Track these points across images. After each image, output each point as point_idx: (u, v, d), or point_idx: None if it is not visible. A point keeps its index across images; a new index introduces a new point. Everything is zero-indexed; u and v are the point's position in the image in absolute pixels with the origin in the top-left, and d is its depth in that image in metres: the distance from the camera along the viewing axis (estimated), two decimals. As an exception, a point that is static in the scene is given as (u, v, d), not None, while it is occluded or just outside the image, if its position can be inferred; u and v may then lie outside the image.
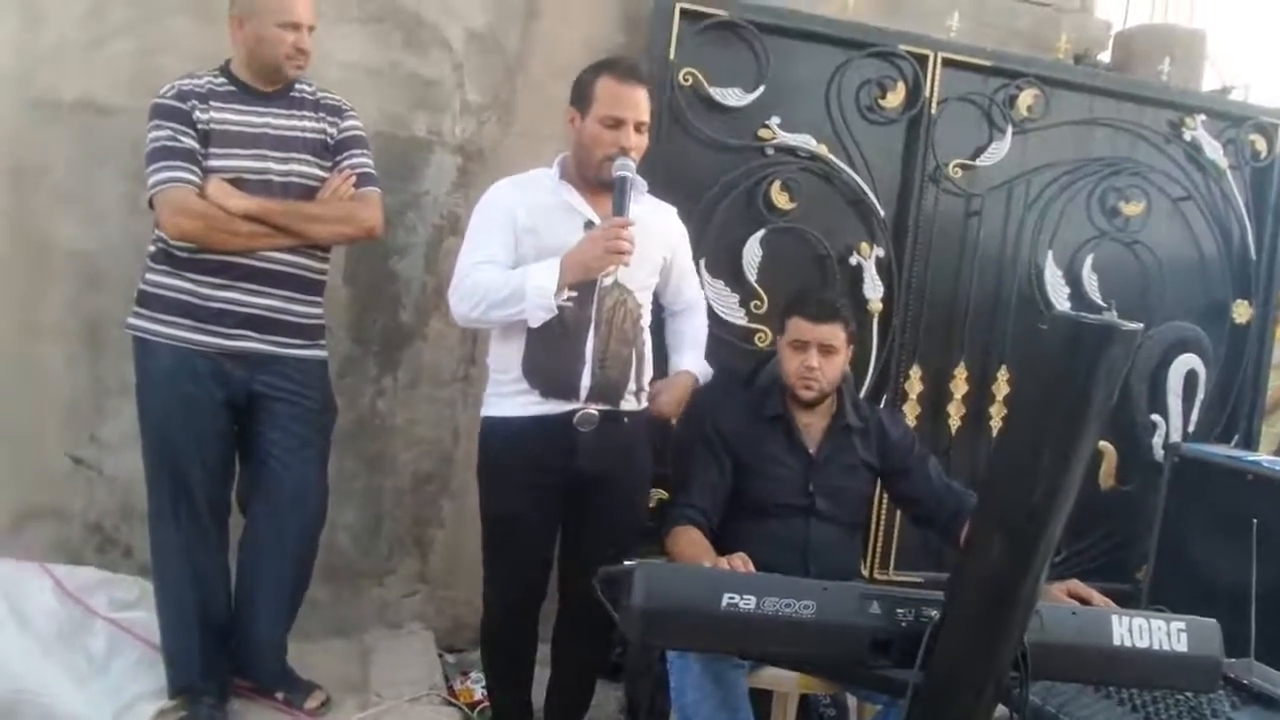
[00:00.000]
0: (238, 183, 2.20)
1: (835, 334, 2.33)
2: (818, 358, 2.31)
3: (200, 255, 2.19)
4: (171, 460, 2.25)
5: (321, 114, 2.34)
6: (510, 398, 2.18)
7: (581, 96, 2.13)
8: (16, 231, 2.55)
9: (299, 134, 2.30)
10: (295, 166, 2.28)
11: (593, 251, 2.05)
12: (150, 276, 2.25)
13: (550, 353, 2.12)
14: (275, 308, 2.27)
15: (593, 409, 2.15)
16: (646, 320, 2.26)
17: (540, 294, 2.05)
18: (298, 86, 2.33)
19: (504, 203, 2.18)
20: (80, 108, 2.56)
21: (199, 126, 2.19)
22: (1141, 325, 1.12)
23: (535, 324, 2.08)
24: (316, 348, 2.39)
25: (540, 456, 2.16)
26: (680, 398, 2.33)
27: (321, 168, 2.32)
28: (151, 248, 2.26)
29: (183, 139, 2.18)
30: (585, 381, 2.13)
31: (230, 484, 2.39)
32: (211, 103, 2.22)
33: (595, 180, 2.14)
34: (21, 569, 2.44)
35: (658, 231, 2.26)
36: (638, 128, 2.12)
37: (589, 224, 2.14)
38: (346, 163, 2.36)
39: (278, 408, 2.31)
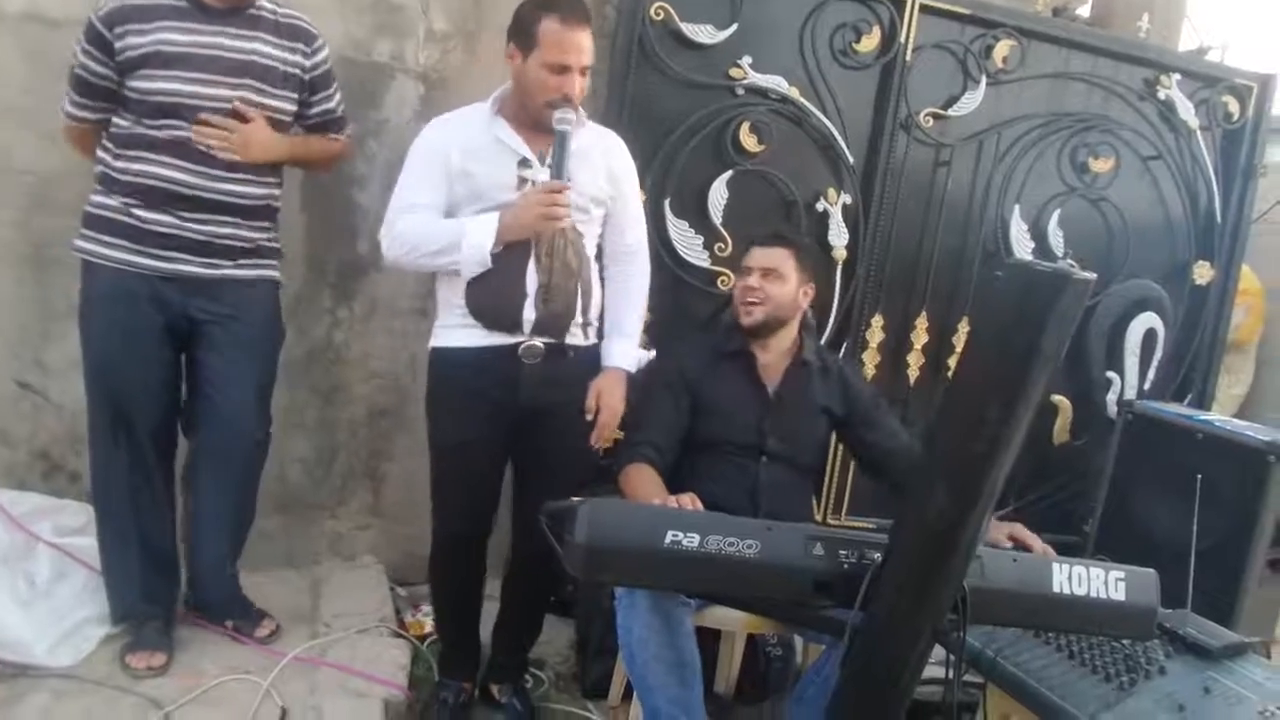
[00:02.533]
0: (174, 108, 2.10)
1: (781, 258, 2.32)
2: (759, 279, 2.31)
3: (137, 180, 2.13)
4: (110, 384, 2.21)
5: (283, 39, 2.22)
6: (457, 329, 2.16)
7: (523, 34, 2.06)
8: (-40, 147, 2.46)
9: (254, 58, 2.18)
10: (249, 95, 2.17)
11: (528, 216, 2.04)
12: (94, 198, 2.20)
13: (492, 287, 2.10)
14: (211, 233, 2.19)
15: (538, 342, 2.14)
16: (592, 250, 2.23)
17: (476, 250, 2.06)
18: (258, 4, 2.21)
19: (437, 143, 2.14)
20: (27, 19, 2.45)
21: (130, 52, 2.07)
22: (1094, 275, 1.12)
23: (469, 275, 2.10)
24: (257, 269, 2.31)
25: (485, 388, 2.15)
26: (618, 406, 2.25)
27: (278, 97, 2.22)
28: (97, 169, 2.20)
29: (91, 71, 2.11)
30: (528, 315, 2.12)
31: (175, 413, 2.34)
32: (156, 21, 2.09)
33: (536, 122, 2.11)
34: (-37, 493, 2.40)
35: (599, 163, 2.22)
36: (581, 71, 2.08)
37: (523, 160, 2.11)
38: (325, 105, 2.36)
39: (214, 332, 2.25)
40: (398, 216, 2.14)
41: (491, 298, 2.11)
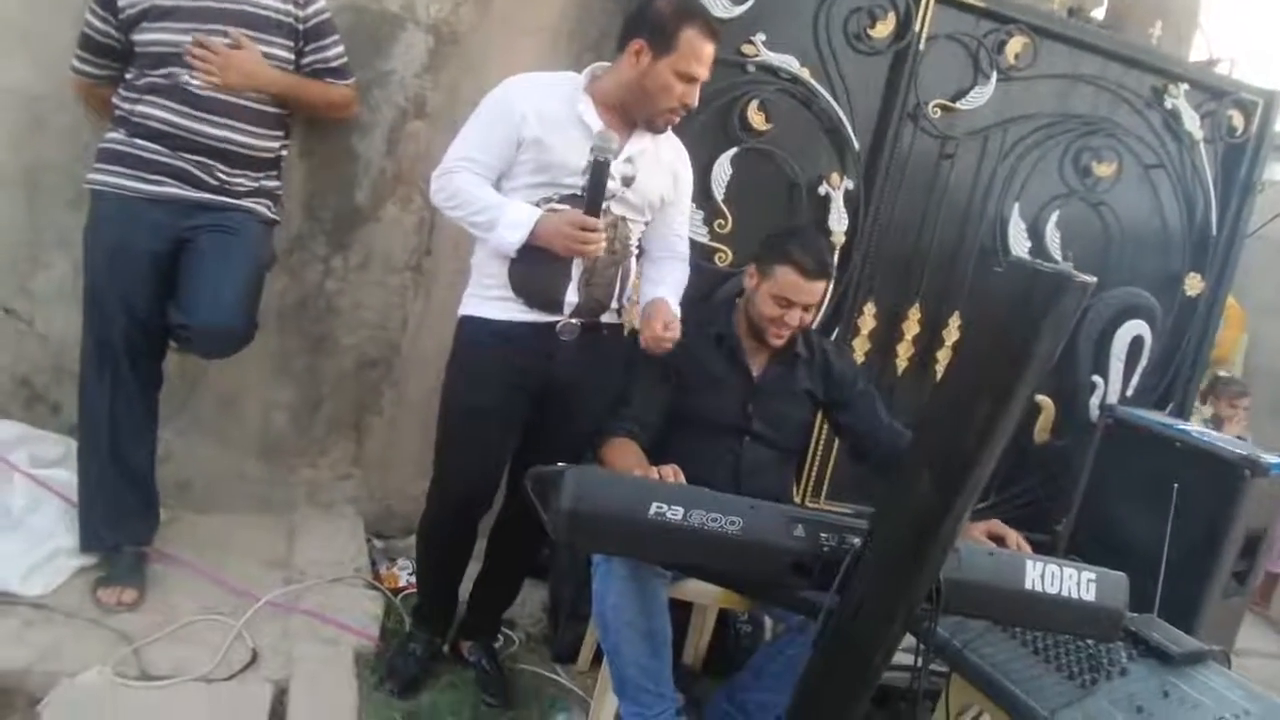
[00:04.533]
0: (168, 57, 2.19)
1: (821, 289, 2.32)
2: (800, 314, 2.30)
3: (143, 122, 2.23)
4: (101, 306, 2.25)
5: None
6: (493, 301, 2.14)
7: (660, 36, 2.03)
8: (-44, 66, 2.43)
9: (244, 6, 2.24)
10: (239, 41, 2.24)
11: (559, 240, 2.03)
12: (107, 135, 2.30)
13: (537, 268, 2.08)
14: (208, 168, 2.27)
15: (575, 321, 2.14)
16: (635, 239, 2.23)
17: (506, 240, 2.05)
18: None
19: (517, 104, 2.08)
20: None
21: (132, 9, 2.19)
22: (1095, 279, 1.12)
23: (499, 255, 2.10)
24: (252, 201, 2.36)
25: (517, 360, 2.14)
26: (666, 318, 2.17)
27: (271, 44, 2.29)
28: (115, 113, 2.30)
29: (95, 28, 2.26)
30: (570, 298, 2.11)
31: (162, 346, 2.37)
32: None
33: (642, 122, 2.12)
34: (-59, 416, 2.39)
35: (667, 163, 2.24)
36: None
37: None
38: (319, 55, 2.39)
39: (200, 238, 2.28)
40: (457, 167, 2.10)
41: (535, 279, 2.10)
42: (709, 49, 2.07)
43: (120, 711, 1.96)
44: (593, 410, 2.26)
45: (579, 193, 2.08)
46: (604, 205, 2.06)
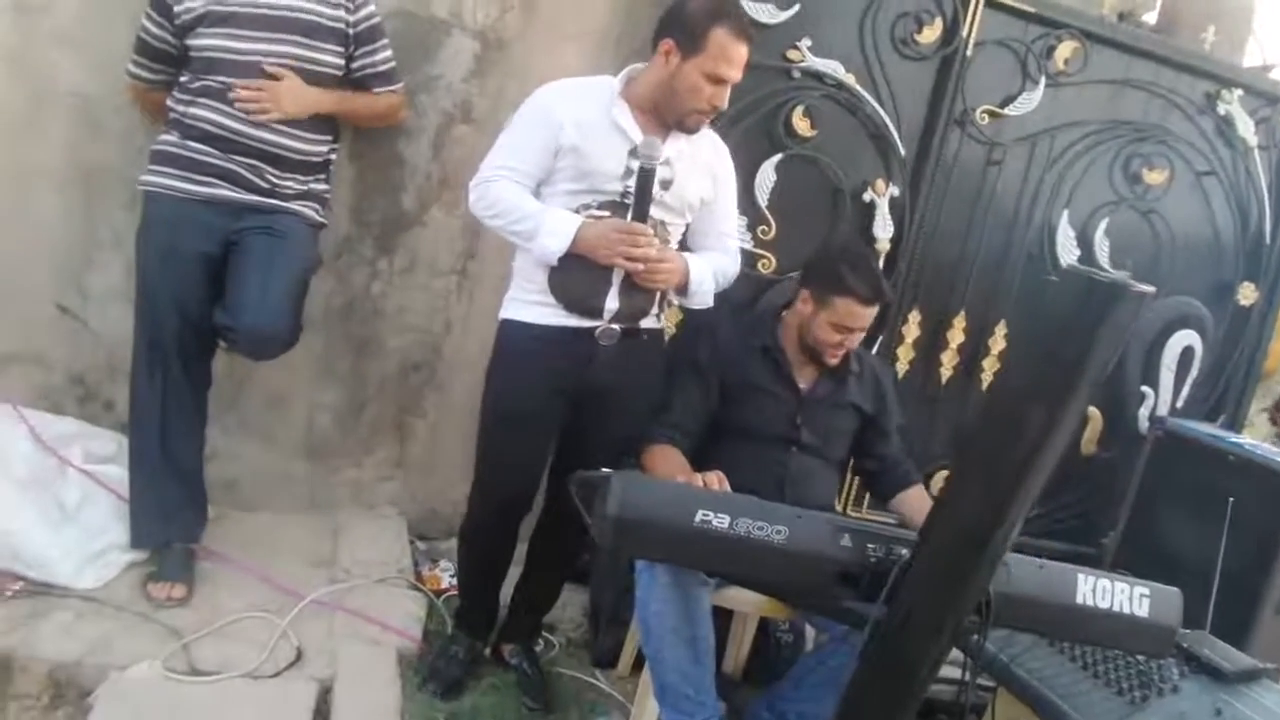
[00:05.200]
0: (222, 63, 2.24)
1: (878, 311, 2.31)
2: (855, 339, 2.30)
3: (195, 124, 2.27)
4: (153, 305, 2.30)
5: None
6: (534, 305, 2.15)
7: (689, 36, 2.02)
8: (16, 70, 2.47)
9: (298, 14, 2.28)
10: (293, 49, 2.28)
11: (603, 250, 2.03)
12: (160, 137, 2.35)
13: (577, 275, 2.08)
14: (259, 170, 2.31)
15: (615, 326, 2.14)
16: (675, 242, 2.23)
17: (547, 249, 2.05)
18: None
19: (555, 113, 2.08)
20: (91, -56, 2.47)
21: (186, 15, 2.23)
22: (1153, 289, 1.11)
23: (540, 263, 2.10)
24: (300, 204, 2.40)
25: (556, 364, 2.15)
26: (679, 262, 2.17)
27: (322, 50, 2.33)
28: (169, 116, 2.34)
29: (151, 34, 2.30)
30: (610, 305, 2.11)
31: (211, 346, 2.41)
32: None
33: (673, 123, 2.11)
34: (0, 412, 2.43)
35: (706, 163, 2.22)
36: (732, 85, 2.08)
37: (634, 150, 2.07)
38: (368, 59, 2.42)
39: (248, 239, 2.32)
40: (496, 175, 2.11)
41: (575, 285, 2.10)
42: (740, 50, 2.03)
43: (169, 706, 2.00)
44: (632, 414, 2.26)
45: (618, 199, 2.08)
46: (649, 219, 2.05)
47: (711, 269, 2.24)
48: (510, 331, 2.20)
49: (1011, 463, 1.15)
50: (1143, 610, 1.42)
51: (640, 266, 2.06)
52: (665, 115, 2.10)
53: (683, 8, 2.05)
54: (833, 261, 2.30)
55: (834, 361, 2.32)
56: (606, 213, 2.08)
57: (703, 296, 2.25)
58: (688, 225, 2.27)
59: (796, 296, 2.36)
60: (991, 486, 1.17)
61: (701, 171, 2.21)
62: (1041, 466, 1.15)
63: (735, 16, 2.07)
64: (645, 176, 2.01)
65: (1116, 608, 1.41)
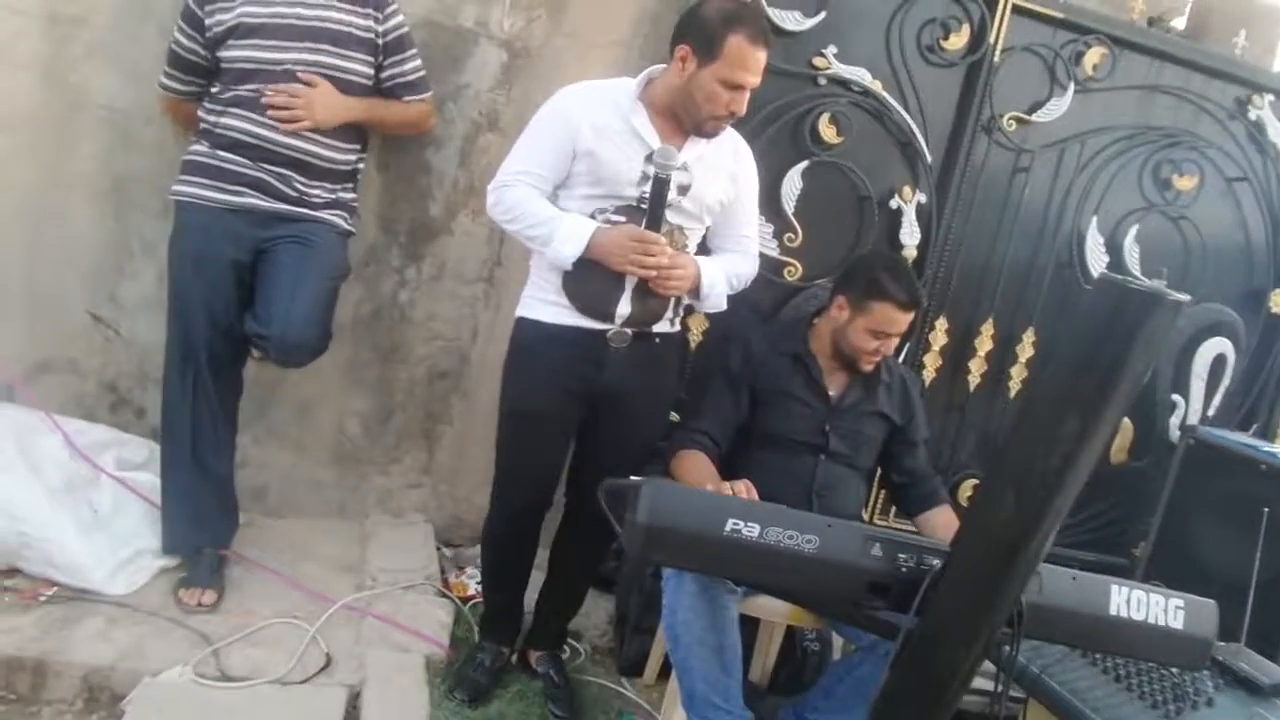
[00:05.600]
0: (253, 73, 2.26)
1: (914, 317, 2.31)
2: (893, 343, 2.31)
3: (226, 133, 2.30)
4: (183, 312, 2.33)
5: (356, 5, 2.34)
6: (548, 305, 2.15)
7: (705, 42, 1.99)
8: (50, 82, 2.51)
9: (327, 24, 2.31)
10: (323, 58, 2.30)
11: (616, 257, 2.03)
12: (191, 148, 2.38)
13: (589, 279, 2.08)
14: (287, 178, 2.34)
15: (627, 330, 2.13)
16: (693, 246, 2.22)
17: (561, 254, 2.05)
18: None
19: (572, 117, 2.07)
20: (120, -38, 2.50)
21: (218, 28, 2.26)
22: (1188, 298, 1.10)
23: (553, 269, 2.11)
24: (328, 213, 2.42)
25: (568, 364, 2.14)
26: (691, 267, 2.14)
27: (351, 59, 2.35)
28: (200, 126, 2.37)
29: (182, 46, 2.34)
30: (623, 310, 2.10)
31: (241, 353, 2.44)
32: None
33: (691, 128, 2.09)
34: (34, 419, 2.47)
35: (725, 166, 2.20)
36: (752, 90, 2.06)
37: (651, 155, 2.06)
38: (397, 69, 2.44)
39: (277, 249, 2.35)
40: (512, 180, 2.11)
41: (588, 289, 2.09)
42: (758, 56, 2.00)
43: (200, 711, 2.01)
44: (645, 418, 2.27)
45: (635, 203, 2.08)
46: (663, 227, 2.05)
47: (725, 273, 2.23)
48: (525, 329, 2.21)
49: (1045, 473, 1.14)
50: (1178, 622, 1.40)
51: (653, 273, 2.05)
52: (683, 121, 2.09)
53: (698, 13, 2.03)
54: (870, 267, 2.30)
55: (869, 368, 2.32)
56: (622, 218, 2.08)
57: (715, 299, 2.23)
58: (707, 228, 2.25)
59: (831, 303, 2.35)
60: (1024, 497, 1.16)
61: (721, 174, 2.19)
62: (1075, 477, 1.14)
63: (752, 22, 2.02)
64: (660, 185, 2.01)
65: (1151, 619, 1.39)
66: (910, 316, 2.27)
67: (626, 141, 2.07)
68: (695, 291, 2.20)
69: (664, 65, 2.14)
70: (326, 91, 2.30)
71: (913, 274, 2.41)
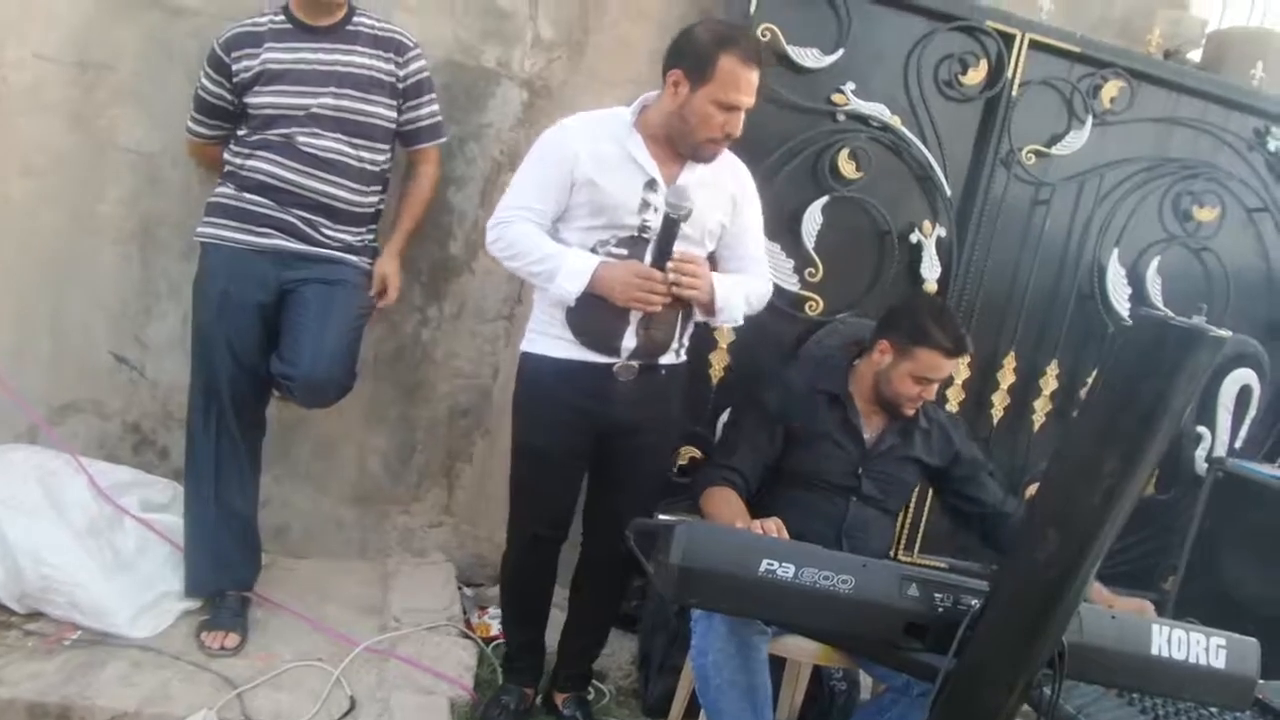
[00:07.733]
0: (279, 118, 2.30)
1: (956, 365, 2.32)
2: (935, 389, 2.31)
3: (251, 175, 2.33)
4: (207, 354, 2.34)
5: (379, 49, 2.37)
6: (553, 339, 2.15)
7: (697, 66, 1.99)
8: (78, 125, 2.55)
9: (350, 69, 2.34)
10: (346, 102, 2.33)
11: (620, 292, 2.02)
12: (217, 189, 2.41)
13: (595, 313, 2.08)
14: (310, 221, 2.36)
15: (633, 362, 2.13)
16: None
17: (565, 290, 2.04)
18: (356, 19, 2.37)
19: (568, 148, 2.08)
20: (151, 5, 2.53)
21: (244, 74, 2.30)
22: (1229, 334, 1.09)
23: (556, 304, 2.10)
24: (351, 254, 2.44)
25: (575, 398, 2.14)
26: (706, 278, 2.11)
27: (373, 103, 2.37)
28: (225, 169, 2.40)
29: (209, 91, 2.37)
30: (628, 343, 2.10)
31: (264, 394, 2.45)
32: (267, 44, 2.31)
33: (687, 153, 2.09)
34: (59, 461, 2.47)
35: (725, 188, 2.19)
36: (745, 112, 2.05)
37: (650, 182, 2.07)
38: (414, 114, 2.47)
39: (302, 290, 2.37)
40: (513, 216, 2.11)
41: (592, 323, 2.09)
42: (750, 76, 1.99)
43: (224, 756, 1.99)
44: (655, 450, 2.27)
45: (635, 233, 2.08)
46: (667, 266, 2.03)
47: (743, 291, 2.20)
48: (530, 364, 2.21)
49: (1086, 511, 1.14)
50: (1219, 661, 1.38)
51: (658, 309, 2.04)
52: (679, 146, 2.08)
53: (689, 37, 2.04)
54: (915, 312, 2.30)
55: (910, 413, 2.31)
56: (625, 250, 2.08)
57: (730, 313, 2.19)
58: (711, 253, 2.23)
59: (873, 346, 2.34)
60: (1066, 535, 1.15)
61: (721, 196, 2.17)
62: (1117, 514, 1.13)
63: (744, 42, 2.01)
64: (670, 225, 2.01)
65: (1193, 659, 1.37)
66: (955, 363, 2.27)
67: (625, 170, 2.08)
68: (710, 307, 2.16)
69: (657, 92, 2.13)
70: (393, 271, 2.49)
71: (958, 320, 2.40)
